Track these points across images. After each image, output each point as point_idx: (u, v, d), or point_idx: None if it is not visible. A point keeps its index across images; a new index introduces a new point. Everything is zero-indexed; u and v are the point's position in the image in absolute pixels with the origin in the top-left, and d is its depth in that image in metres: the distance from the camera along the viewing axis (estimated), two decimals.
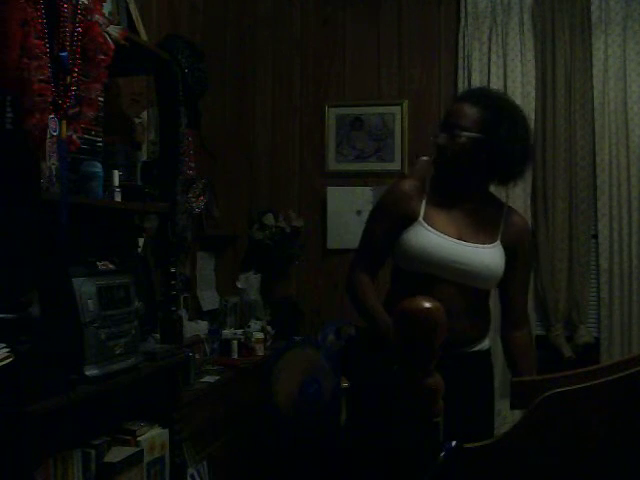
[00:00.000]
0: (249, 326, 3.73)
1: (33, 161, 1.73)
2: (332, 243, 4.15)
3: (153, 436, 2.33)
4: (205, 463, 2.85)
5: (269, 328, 3.81)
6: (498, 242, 2.00)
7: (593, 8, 3.91)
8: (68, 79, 1.79)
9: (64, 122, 1.79)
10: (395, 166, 4.15)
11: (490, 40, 4.02)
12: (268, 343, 3.72)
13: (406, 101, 4.18)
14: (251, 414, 3.40)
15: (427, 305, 1.28)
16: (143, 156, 2.72)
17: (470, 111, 1.93)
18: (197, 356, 3.19)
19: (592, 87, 3.91)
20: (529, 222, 3.92)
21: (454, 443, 1.27)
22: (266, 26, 4.39)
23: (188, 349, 2.98)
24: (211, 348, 3.46)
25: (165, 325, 2.53)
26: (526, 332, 2.14)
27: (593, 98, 3.91)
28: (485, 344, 2.10)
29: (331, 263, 4.15)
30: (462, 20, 4.07)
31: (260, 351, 3.60)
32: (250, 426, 3.38)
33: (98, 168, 2.05)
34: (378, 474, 1.80)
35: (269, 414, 3.42)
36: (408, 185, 2.06)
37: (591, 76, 3.92)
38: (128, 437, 2.24)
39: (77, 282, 1.93)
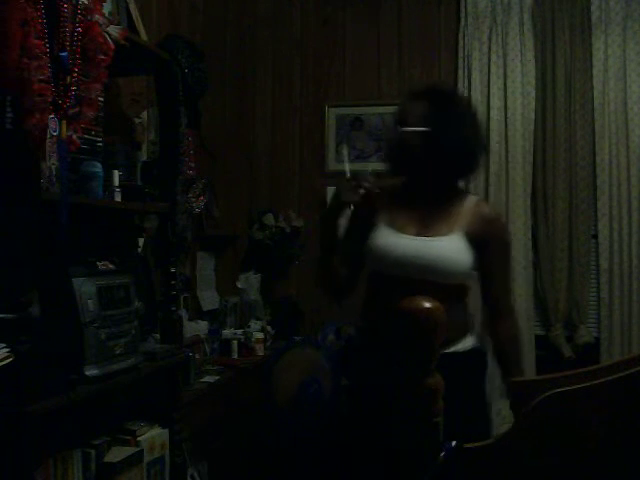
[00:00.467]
0: (249, 326, 3.73)
1: (33, 161, 1.73)
2: None
3: (153, 436, 2.33)
4: (205, 463, 2.85)
5: (269, 328, 3.81)
6: (458, 233, 1.92)
7: (593, 8, 3.91)
8: (68, 79, 1.79)
9: (64, 122, 1.79)
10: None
11: (490, 40, 4.02)
12: (268, 343, 3.72)
13: None
14: (251, 414, 3.40)
15: (427, 305, 1.28)
16: (143, 156, 2.72)
17: (417, 107, 1.92)
18: (197, 356, 3.19)
19: (592, 87, 3.91)
20: (528, 222, 3.96)
21: (454, 443, 1.27)
22: (266, 26, 4.39)
23: (188, 349, 2.98)
24: (211, 348, 3.46)
25: (165, 325, 2.53)
26: (509, 324, 2.10)
27: (593, 98, 3.91)
28: (466, 344, 2.02)
29: None
30: (462, 20, 4.07)
31: (260, 351, 3.60)
32: (250, 426, 3.38)
33: (98, 168, 2.05)
34: (378, 474, 1.80)
35: (269, 414, 3.42)
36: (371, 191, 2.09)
37: (591, 76, 3.92)
38: (128, 437, 2.24)
39: (77, 282, 1.93)
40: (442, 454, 1.30)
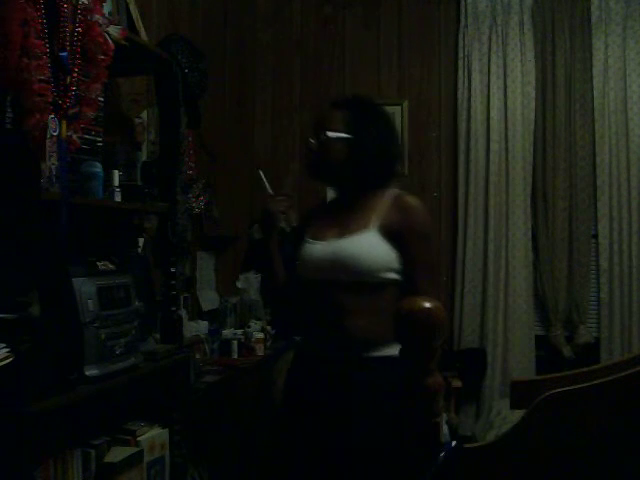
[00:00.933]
0: (249, 326, 3.73)
1: (33, 161, 1.73)
2: None
3: (153, 436, 2.33)
4: (205, 463, 2.85)
5: (269, 328, 3.81)
6: (372, 228, 1.87)
7: (593, 8, 3.92)
8: (68, 79, 1.79)
9: (64, 122, 1.79)
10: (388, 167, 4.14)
11: (490, 40, 4.02)
12: (268, 343, 3.72)
13: (406, 101, 4.18)
14: (251, 414, 3.39)
15: (427, 305, 1.28)
16: (143, 156, 2.72)
17: (336, 114, 1.96)
18: (197, 356, 3.19)
19: (592, 87, 3.92)
20: (528, 222, 3.96)
21: (454, 443, 1.27)
22: (266, 26, 4.40)
23: (188, 349, 2.97)
24: (211, 348, 3.45)
25: (165, 325, 2.53)
26: None
27: (593, 98, 3.91)
28: (390, 350, 1.84)
29: None
30: (462, 20, 4.07)
31: (260, 351, 3.59)
32: (250, 426, 3.38)
33: (98, 168, 2.05)
34: (378, 474, 1.80)
35: (268, 414, 3.41)
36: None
37: (591, 76, 3.92)
38: (128, 437, 2.24)
39: (77, 282, 1.93)
40: (442, 454, 1.30)
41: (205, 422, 2.92)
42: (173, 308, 2.53)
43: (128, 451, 2.19)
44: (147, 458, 2.27)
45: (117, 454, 2.14)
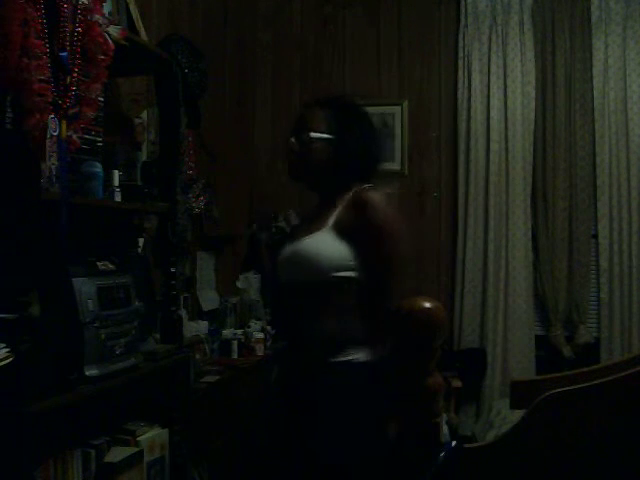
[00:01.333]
0: (249, 326, 3.73)
1: (33, 161, 1.73)
2: None
3: (153, 436, 2.33)
4: (205, 463, 2.85)
5: (269, 328, 3.81)
6: (328, 226, 1.82)
7: (593, 8, 3.92)
8: (68, 79, 1.79)
9: (64, 122, 1.79)
10: (395, 166, 4.16)
11: (490, 40, 4.02)
12: (268, 343, 3.72)
13: (406, 101, 4.18)
14: (251, 414, 3.39)
15: (427, 305, 1.28)
16: (143, 156, 2.72)
17: (317, 114, 1.92)
18: (197, 356, 3.19)
19: (592, 87, 3.92)
20: (528, 222, 3.95)
21: (454, 443, 1.27)
22: (266, 26, 4.40)
23: (188, 349, 2.97)
24: (211, 348, 3.45)
25: (165, 325, 2.53)
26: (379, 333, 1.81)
27: (593, 98, 3.91)
28: (356, 355, 1.78)
29: None
30: (462, 20, 4.08)
31: (260, 351, 3.59)
32: (249, 426, 3.38)
33: (98, 168, 2.05)
34: (378, 473, 1.79)
35: (268, 414, 3.41)
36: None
37: (591, 76, 3.92)
38: (128, 437, 2.24)
39: (77, 282, 1.93)
40: (442, 454, 1.30)
41: (205, 422, 2.92)
42: (173, 308, 2.53)
43: (128, 451, 2.19)
44: (147, 458, 2.27)
45: (117, 454, 2.14)
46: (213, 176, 3.74)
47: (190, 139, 3.01)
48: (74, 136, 1.85)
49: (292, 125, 1.97)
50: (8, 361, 1.63)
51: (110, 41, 1.95)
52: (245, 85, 4.32)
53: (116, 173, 2.19)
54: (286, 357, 1.94)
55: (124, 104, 2.72)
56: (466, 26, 4.06)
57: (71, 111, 1.81)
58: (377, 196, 1.84)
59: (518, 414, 1.64)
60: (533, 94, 3.96)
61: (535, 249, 3.98)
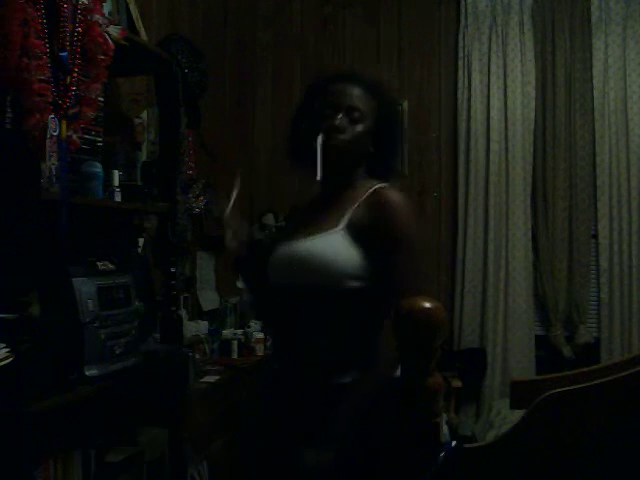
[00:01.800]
0: (249, 326, 3.73)
1: (33, 161, 1.73)
2: None
3: (153, 436, 2.33)
4: (205, 463, 2.85)
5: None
6: (340, 227, 1.58)
7: (593, 8, 3.92)
8: (68, 79, 1.79)
9: (64, 122, 1.79)
10: (395, 166, 4.15)
11: (490, 40, 4.02)
12: (268, 343, 3.72)
13: (406, 101, 4.18)
14: (250, 415, 3.39)
15: (427, 305, 1.28)
16: (143, 156, 2.72)
17: (365, 96, 1.66)
18: (197, 356, 3.19)
19: (592, 87, 3.92)
20: (528, 222, 3.96)
21: (454, 443, 1.27)
22: (266, 26, 4.39)
23: (188, 349, 2.97)
24: (211, 348, 3.45)
25: (165, 325, 2.53)
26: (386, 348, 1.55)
27: (593, 98, 3.91)
28: (356, 375, 1.56)
29: None
30: (462, 20, 4.07)
31: (260, 351, 3.59)
32: (249, 427, 3.38)
33: (98, 168, 2.05)
34: (378, 473, 1.79)
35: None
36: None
37: (591, 76, 3.92)
38: (128, 437, 2.24)
39: (77, 282, 1.93)
40: (442, 454, 1.30)
41: (205, 422, 2.92)
42: (173, 308, 2.53)
43: (128, 451, 2.19)
44: (147, 458, 2.27)
45: (117, 454, 2.14)
46: (213, 176, 3.74)
47: (190, 139, 3.01)
48: (74, 136, 1.85)
49: (325, 99, 1.66)
50: (8, 361, 1.63)
51: (110, 41, 1.95)
52: (245, 85, 4.32)
53: (116, 173, 2.19)
54: (276, 374, 1.65)
55: (124, 104, 2.72)
56: (466, 26, 4.06)
57: (71, 111, 1.81)
58: (399, 196, 1.63)
59: (518, 414, 1.64)
60: (533, 94, 3.96)
61: (535, 249, 3.98)
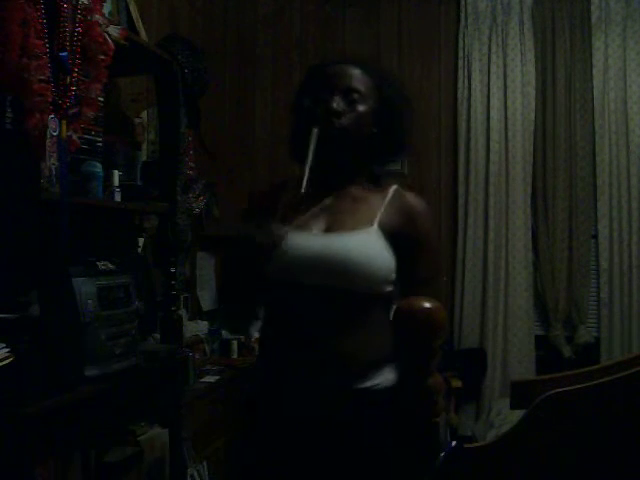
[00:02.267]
0: None
1: (33, 161, 1.73)
2: None
3: (153, 436, 2.33)
4: (205, 463, 2.85)
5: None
6: (375, 226, 1.49)
7: (593, 8, 3.92)
8: (68, 79, 1.79)
9: (64, 122, 1.79)
10: (395, 166, 4.15)
11: (490, 40, 4.02)
12: (264, 349, 3.72)
13: None
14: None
15: (427, 305, 1.28)
16: (143, 156, 2.72)
17: (363, 77, 1.55)
18: (197, 356, 3.19)
19: (592, 87, 3.92)
20: (528, 222, 3.96)
21: (454, 443, 1.27)
22: (266, 26, 4.39)
23: (188, 349, 2.98)
24: (211, 348, 3.46)
25: (165, 325, 2.53)
26: None
27: (593, 98, 3.91)
28: (388, 378, 1.48)
29: None
30: (462, 20, 4.07)
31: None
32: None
33: (98, 168, 2.05)
34: (378, 473, 1.79)
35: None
36: (262, 189, 1.77)
37: (591, 76, 3.92)
38: (128, 437, 2.24)
39: (77, 282, 1.93)
40: (442, 454, 1.30)
41: (205, 422, 2.92)
42: (173, 308, 2.53)
43: (128, 451, 2.19)
44: (147, 458, 2.27)
45: (117, 454, 2.14)
46: (213, 176, 3.74)
47: (190, 139, 3.01)
48: (74, 136, 1.85)
49: (324, 82, 1.55)
50: (8, 361, 1.63)
51: (110, 41, 1.95)
52: (245, 85, 4.32)
53: (116, 173, 2.19)
54: (296, 381, 1.49)
55: (124, 104, 2.72)
56: (466, 26, 4.06)
57: (71, 111, 1.81)
58: (425, 204, 1.59)
59: (518, 414, 1.64)
60: (533, 94, 3.96)
61: (535, 249, 3.98)
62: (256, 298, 1.57)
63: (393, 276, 1.48)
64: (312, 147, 1.45)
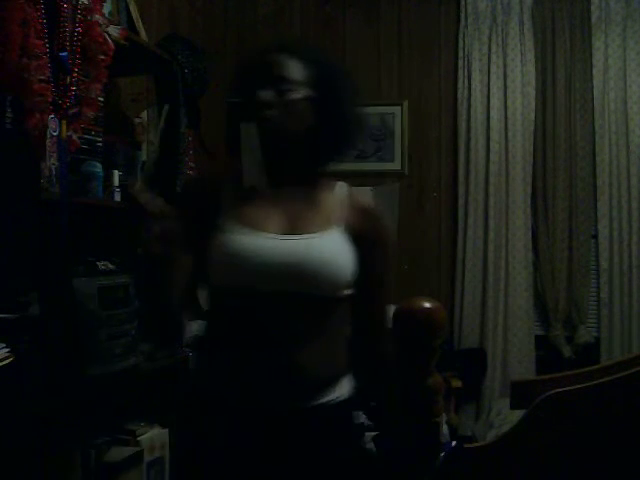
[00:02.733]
0: None
1: (33, 161, 1.74)
2: None
3: (153, 436, 2.33)
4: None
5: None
6: (338, 228, 1.42)
7: (593, 8, 3.92)
8: (68, 79, 1.79)
9: (64, 122, 1.79)
10: (395, 166, 4.15)
11: (490, 40, 4.02)
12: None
13: (406, 101, 4.18)
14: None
15: (427, 305, 1.28)
16: (143, 156, 2.72)
17: (297, 64, 1.45)
18: None
19: (592, 87, 3.91)
20: (528, 222, 3.95)
21: (454, 443, 1.27)
22: (266, 26, 4.39)
23: (188, 349, 2.97)
24: None
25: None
26: (386, 347, 1.51)
27: (593, 98, 3.91)
28: (343, 390, 1.43)
29: None
30: (462, 20, 4.07)
31: None
32: None
33: (98, 168, 2.06)
34: (377, 473, 1.79)
35: None
36: (197, 180, 1.78)
37: (591, 76, 3.92)
38: (128, 437, 2.24)
39: (77, 282, 1.93)
40: (442, 454, 1.30)
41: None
42: None
43: (128, 451, 2.19)
44: (147, 458, 2.27)
45: (117, 454, 2.14)
46: None
47: (190, 139, 3.01)
48: (74, 136, 1.85)
49: (252, 74, 1.48)
50: (8, 361, 1.63)
51: (110, 41, 1.95)
52: None
53: (116, 173, 2.20)
54: (232, 403, 1.41)
55: (124, 104, 2.72)
56: (466, 26, 4.06)
57: (71, 111, 1.82)
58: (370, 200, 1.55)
59: (518, 414, 1.64)
60: (533, 94, 3.96)
61: (535, 249, 3.98)
62: (177, 311, 1.50)
63: (351, 279, 1.42)
64: (244, 144, 1.39)
